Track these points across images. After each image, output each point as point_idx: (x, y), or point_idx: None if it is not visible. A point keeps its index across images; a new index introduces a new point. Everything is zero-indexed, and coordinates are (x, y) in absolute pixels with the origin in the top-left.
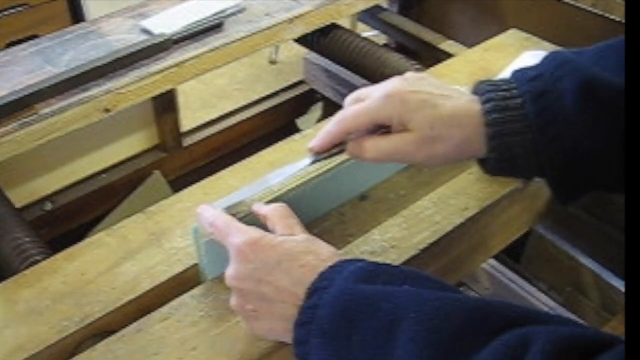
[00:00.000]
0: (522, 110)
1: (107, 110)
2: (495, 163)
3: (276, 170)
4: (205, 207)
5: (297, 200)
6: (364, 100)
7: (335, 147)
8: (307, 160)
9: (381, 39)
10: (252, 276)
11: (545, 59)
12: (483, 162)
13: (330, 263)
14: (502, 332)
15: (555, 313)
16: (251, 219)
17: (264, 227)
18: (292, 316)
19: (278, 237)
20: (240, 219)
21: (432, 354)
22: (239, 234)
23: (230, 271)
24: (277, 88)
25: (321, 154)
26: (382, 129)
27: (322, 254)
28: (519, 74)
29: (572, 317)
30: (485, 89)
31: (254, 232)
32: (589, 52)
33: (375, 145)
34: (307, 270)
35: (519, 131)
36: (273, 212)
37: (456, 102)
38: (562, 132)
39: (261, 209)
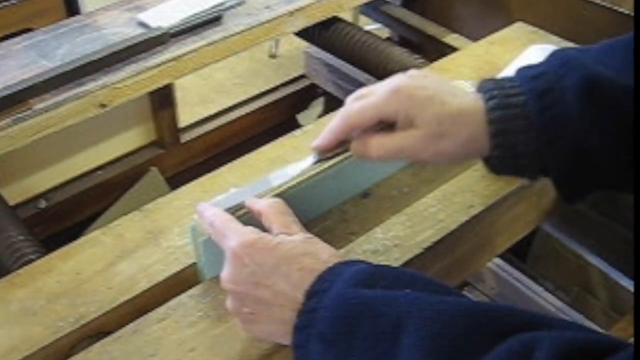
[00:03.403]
0: (524, 108)
1: (103, 106)
2: (499, 161)
3: (276, 171)
4: (206, 205)
5: (298, 198)
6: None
7: (339, 146)
8: (311, 159)
9: (384, 32)
10: (248, 280)
11: (550, 56)
12: (488, 161)
13: (329, 265)
14: (506, 338)
15: (562, 313)
16: (250, 218)
17: (261, 224)
18: (290, 319)
19: (275, 238)
20: (240, 217)
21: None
22: (235, 236)
23: (225, 274)
24: (277, 83)
25: (325, 153)
26: (385, 127)
27: (321, 256)
28: (522, 71)
29: (580, 317)
30: (488, 87)
31: (250, 233)
32: (594, 50)
33: (380, 143)
34: (306, 273)
35: (521, 129)
36: (268, 209)
37: (462, 100)
38: (565, 131)
39: (255, 204)
